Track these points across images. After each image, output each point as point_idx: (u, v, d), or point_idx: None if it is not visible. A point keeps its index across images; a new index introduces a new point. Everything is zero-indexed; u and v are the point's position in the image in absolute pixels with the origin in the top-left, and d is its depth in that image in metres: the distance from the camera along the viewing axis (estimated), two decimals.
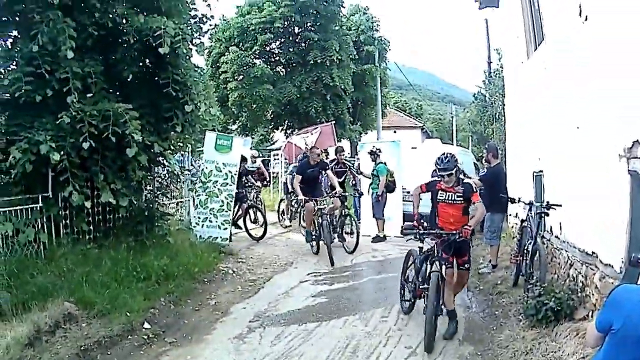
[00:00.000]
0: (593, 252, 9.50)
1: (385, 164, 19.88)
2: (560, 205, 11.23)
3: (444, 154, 10.66)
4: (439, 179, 10.75)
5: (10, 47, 12.43)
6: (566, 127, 11.11)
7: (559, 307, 9.45)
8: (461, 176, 11.05)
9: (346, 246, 18.40)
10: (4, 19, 12.37)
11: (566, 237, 11.42)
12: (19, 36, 12.37)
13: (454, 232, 10.36)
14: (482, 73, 39.26)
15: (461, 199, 10.58)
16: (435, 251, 10.49)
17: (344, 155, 20.44)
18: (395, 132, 68.40)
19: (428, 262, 10.67)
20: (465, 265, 10.91)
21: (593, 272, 9.42)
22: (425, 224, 11.34)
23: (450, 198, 10.67)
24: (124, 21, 12.70)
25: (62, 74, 11.51)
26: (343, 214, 18.80)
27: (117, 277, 11.43)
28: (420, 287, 10.59)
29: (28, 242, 10.95)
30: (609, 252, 8.71)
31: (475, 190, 10.88)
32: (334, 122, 35.65)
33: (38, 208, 11.40)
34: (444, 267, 10.32)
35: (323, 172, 18.66)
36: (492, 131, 34.43)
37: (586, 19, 9.69)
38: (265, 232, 20.07)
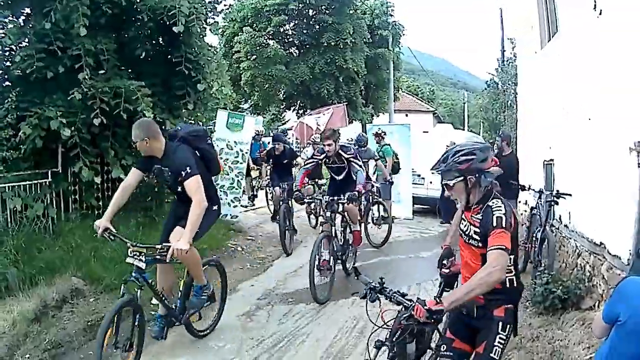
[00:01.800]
0: (601, 243, 9.47)
1: (390, 145, 19.64)
2: (570, 195, 11.19)
3: (454, 144, 5.85)
4: None
5: (22, 24, 12.49)
6: (577, 118, 11.06)
7: (566, 295, 9.43)
8: (486, 184, 5.56)
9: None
10: None
11: (575, 227, 11.39)
12: (32, 13, 12.40)
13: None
14: (495, 61, 39.18)
15: (478, 238, 5.41)
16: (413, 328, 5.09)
17: (331, 145, 12.25)
18: (407, 115, 68.27)
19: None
20: None
21: (601, 262, 9.38)
22: (446, 263, 6.60)
23: (466, 231, 5.62)
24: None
25: (74, 51, 11.56)
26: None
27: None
28: None
29: (37, 217, 10.99)
30: (617, 243, 8.68)
31: (498, 224, 5.14)
32: (346, 103, 35.61)
33: (47, 183, 11.44)
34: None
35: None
36: (503, 118, 34.41)
37: (600, 13, 9.63)
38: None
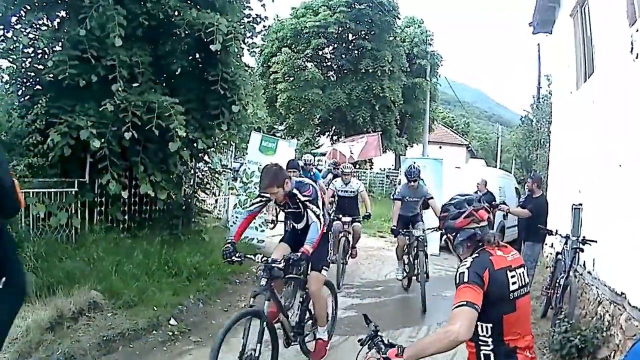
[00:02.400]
0: (622, 293, 9.29)
1: (423, 180, 19.36)
2: (596, 241, 10.99)
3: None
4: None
5: (57, 27, 12.46)
6: (608, 164, 10.85)
7: (583, 344, 9.34)
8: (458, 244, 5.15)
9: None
10: None
11: (598, 274, 11.19)
12: (67, 17, 12.41)
13: None
14: (530, 96, 38.86)
15: None
16: None
17: (278, 192, 8.43)
18: (440, 147, 68.11)
19: None
20: None
21: (620, 312, 9.24)
22: None
23: None
24: (176, 14, 12.63)
25: (108, 61, 11.53)
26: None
27: (148, 270, 11.33)
28: None
29: (60, 226, 10.93)
30: (638, 294, 8.51)
31: (459, 281, 4.60)
32: (380, 132, 35.52)
33: (73, 192, 11.38)
34: None
35: None
36: (536, 157, 33.93)
37: (637, 57, 9.43)
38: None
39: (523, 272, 4.80)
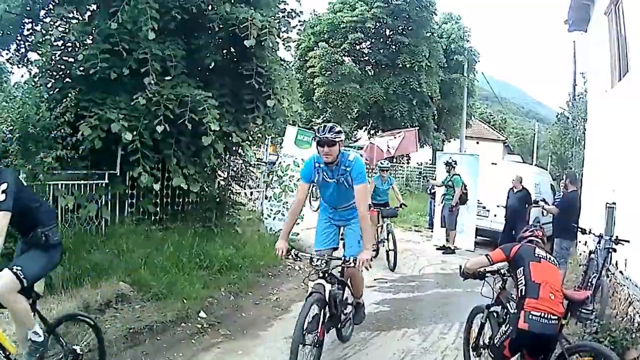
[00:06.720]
0: None
1: (459, 175, 19.41)
2: (629, 241, 10.84)
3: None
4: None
5: (87, 21, 12.53)
6: None
7: (612, 346, 9.08)
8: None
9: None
10: None
11: (629, 274, 11.07)
12: (98, 10, 12.44)
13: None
14: (567, 94, 38.43)
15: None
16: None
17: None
18: (477, 143, 67.61)
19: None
20: None
21: None
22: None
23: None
24: (210, 8, 12.59)
25: (140, 54, 11.54)
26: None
27: (178, 262, 11.29)
28: None
29: (89, 218, 10.98)
30: None
31: None
32: (418, 128, 35.39)
33: (103, 184, 11.46)
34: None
35: None
36: (571, 154, 33.60)
37: None
38: None
39: (552, 259, 7.58)
